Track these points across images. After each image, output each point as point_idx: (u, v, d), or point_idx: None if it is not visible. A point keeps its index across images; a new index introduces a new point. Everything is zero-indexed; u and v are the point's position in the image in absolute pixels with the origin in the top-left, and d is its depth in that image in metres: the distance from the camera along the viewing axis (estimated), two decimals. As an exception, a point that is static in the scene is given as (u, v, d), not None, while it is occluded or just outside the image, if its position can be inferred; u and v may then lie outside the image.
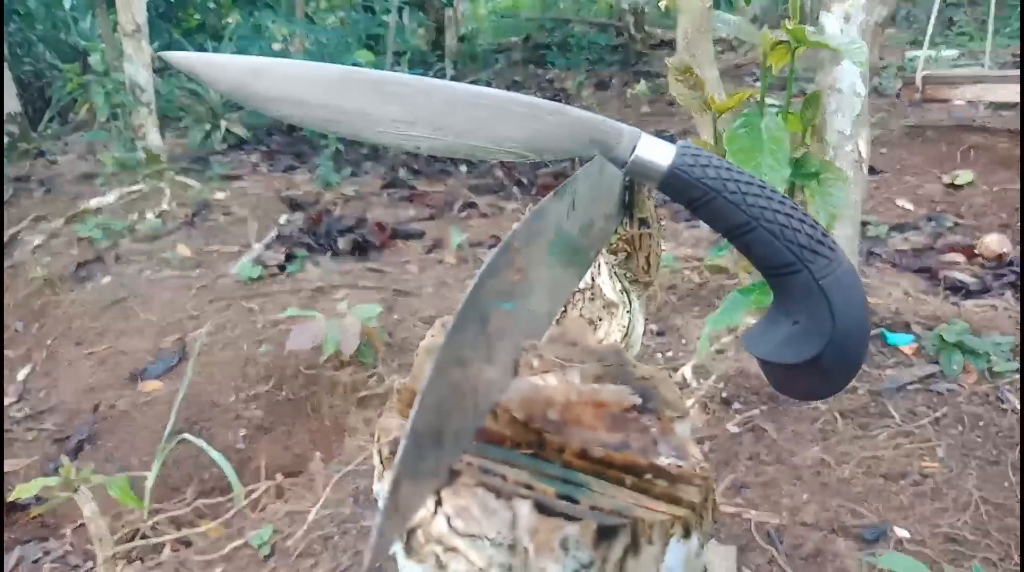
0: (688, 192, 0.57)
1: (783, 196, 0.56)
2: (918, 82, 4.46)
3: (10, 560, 1.85)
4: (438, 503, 0.34)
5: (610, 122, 0.62)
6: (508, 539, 0.33)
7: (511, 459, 0.38)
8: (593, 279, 0.81)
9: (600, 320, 0.81)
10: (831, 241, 0.55)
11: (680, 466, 0.39)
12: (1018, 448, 1.78)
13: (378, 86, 0.60)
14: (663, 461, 0.39)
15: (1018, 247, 3.10)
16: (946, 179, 3.99)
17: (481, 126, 0.60)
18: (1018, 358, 2.07)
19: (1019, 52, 6.30)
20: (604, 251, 0.79)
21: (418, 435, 0.30)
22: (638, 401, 0.42)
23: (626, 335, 0.81)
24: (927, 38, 4.63)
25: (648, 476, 0.38)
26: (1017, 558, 1.50)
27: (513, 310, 0.41)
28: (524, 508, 0.33)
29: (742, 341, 0.61)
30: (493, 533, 0.33)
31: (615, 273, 0.82)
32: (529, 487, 0.36)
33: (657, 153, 0.59)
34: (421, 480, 0.31)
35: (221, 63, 0.61)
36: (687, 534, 0.37)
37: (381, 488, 0.40)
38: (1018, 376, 2.00)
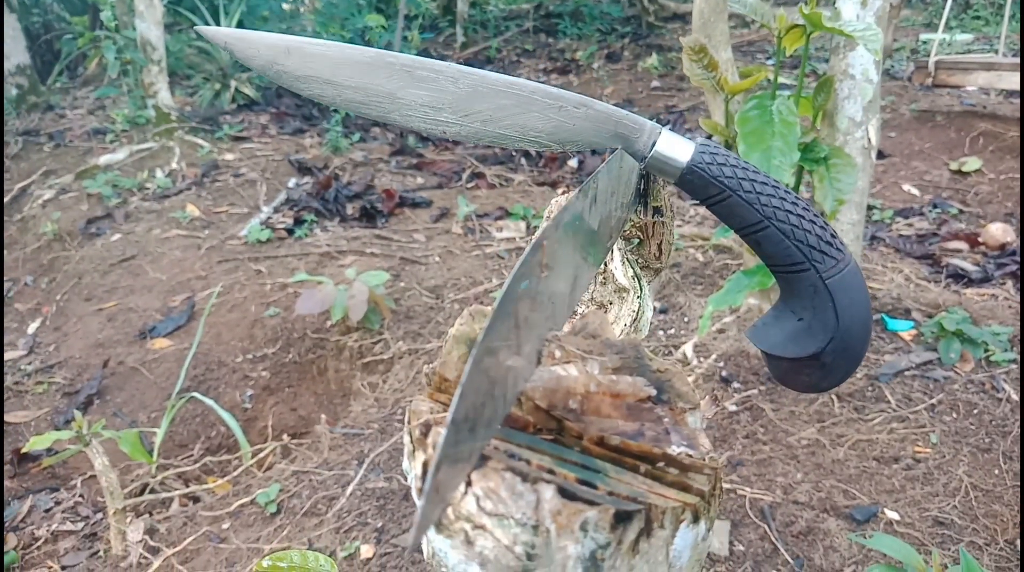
0: (705, 190, 0.60)
1: (796, 196, 0.58)
2: (930, 67, 4.45)
3: (23, 508, 1.90)
4: (468, 484, 0.37)
5: (633, 116, 0.64)
6: (532, 520, 0.36)
7: (534, 444, 0.41)
8: (606, 264, 0.83)
9: (611, 304, 0.84)
10: (840, 242, 0.58)
11: (691, 455, 0.42)
12: (1010, 436, 1.81)
13: (408, 70, 0.61)
14: (675, 450, 0.42)
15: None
16: (953, 166, 3.99)
17: (507, 115, 0.62)
18: (1015, 349, 2.10)
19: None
20: (618, 237, 0.82)
21: (457, 424, 0.32)
22: (653, 393, 0.45)
23: (635, 320, 0.84)
24: (942, 21, 4.60)
25: (661, 464, 0.41)
26: (1002, 543, 1.54)
27: (538, 303, 0.44)
28: (548, 492, 0.36)
29: (746, 334, 0.64)
30: (519, 514, 0.36)
31: (627, 259, 0.84)
32: (551, 472, 0.39)
33: (677, 149, 0.61)
34: (458, 464, 0.34)
35: (255, 40, 0.63)
36: (696, 520, 0.40)
37: (411, 466, 0.43)
38: (1015, 366, 2.03)
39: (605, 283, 0.83)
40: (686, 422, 0.44)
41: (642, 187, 0.75)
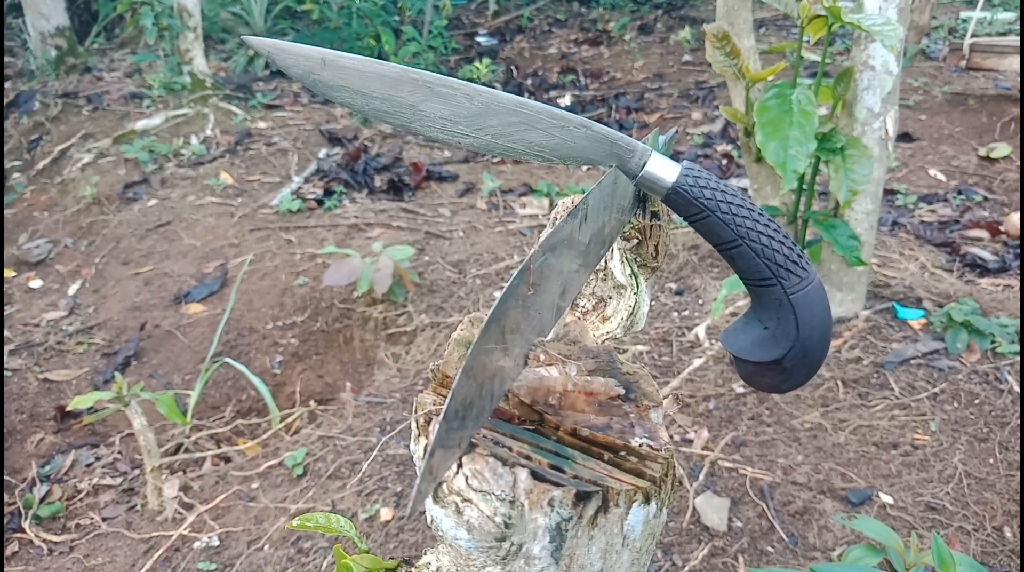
0: (687, 208, 0.67)
1: (768, 218, 0.65)
2: (964, 49, 4.41)
3: (66, 462, 2.04)
4: (459, 466, 0.45)
5: (627, 139, 0.71)
6: (509, 496, 0.44)
7: (516, 434, 0.49)
8: (606, 262, 0.90)
9: (610, 298, 0.91)
10: (806, 261, 0.65)
11: (651, 446, 0.50)
12: (1008, 427, 1.87)
13: (429, 86, 0.69)
14: (636, 442, 0.50)
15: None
16: (982, 151, 3.97)
17: (515, 131, 0.70)
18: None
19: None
20: (618, 237, 0.89)
21: (448, 420, 0.41)
22: (622, 392, 0.53)
23: (631, 314, 0.91)
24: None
25: (622, 453, 0.49)
26: (990, 529, 1.61)
27: (526, 316, 0.52)
28: (523, 474, 0.44)
29: (720, 337, 0.71)
30: (499, 491, 0.44)
31: (626, 258, 0.92)
32: (528, 457, 0.47)
33: (664, 171, 0.68)
34: (449, 450, 0.42)
35: (294, 52, 0.71)
36: (647, 501, 0.48)
37: (416, 448, 0.51)
38: (1019, 358, 2.08)
39: (605, 279, 0.91)
40: (649, 417, 0.52)
41: (640, 193, 0.82)
